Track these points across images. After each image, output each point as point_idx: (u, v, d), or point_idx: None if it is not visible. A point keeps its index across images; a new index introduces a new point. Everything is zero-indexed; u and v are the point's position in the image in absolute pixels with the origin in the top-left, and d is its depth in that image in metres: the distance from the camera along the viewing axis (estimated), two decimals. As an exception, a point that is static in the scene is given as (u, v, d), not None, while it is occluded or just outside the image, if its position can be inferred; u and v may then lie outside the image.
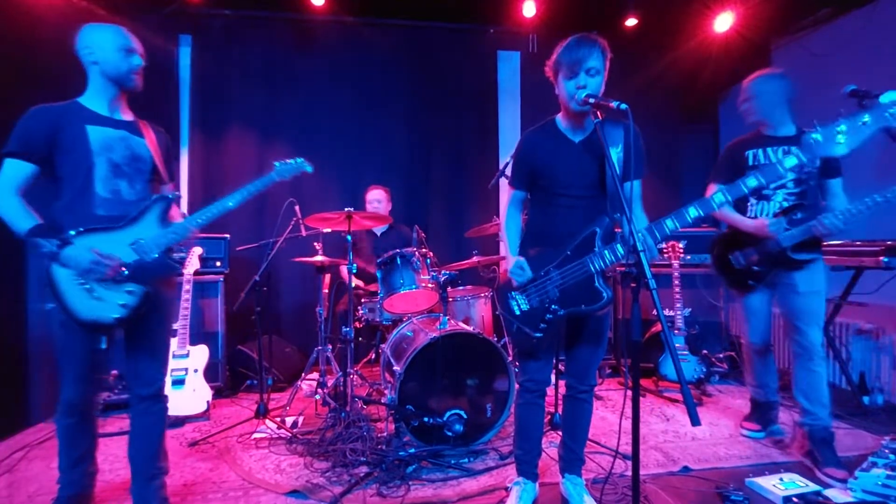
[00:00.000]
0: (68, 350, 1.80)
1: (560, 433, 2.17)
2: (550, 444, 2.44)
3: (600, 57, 1.75)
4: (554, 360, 2.21)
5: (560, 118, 1.93)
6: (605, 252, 1.77)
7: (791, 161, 1.58)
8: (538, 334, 1.88)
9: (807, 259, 2.40)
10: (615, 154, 1.80)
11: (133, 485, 1.95)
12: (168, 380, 2.99)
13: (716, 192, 1.65)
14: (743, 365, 2.99)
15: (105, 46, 1.83)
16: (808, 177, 2.41)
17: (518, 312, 1.93)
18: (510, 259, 1.96)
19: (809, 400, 2.40)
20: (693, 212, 1.66)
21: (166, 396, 2.02)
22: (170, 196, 1.92)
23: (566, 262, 1.84)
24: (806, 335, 2.41)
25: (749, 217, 2.54)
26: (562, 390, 2.20)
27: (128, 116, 1.96)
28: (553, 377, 2.85)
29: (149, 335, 1.92)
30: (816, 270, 2.45)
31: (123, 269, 1.77)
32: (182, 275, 3.11)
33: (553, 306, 1.85)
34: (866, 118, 1.46)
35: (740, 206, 2.57)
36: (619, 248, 1.74)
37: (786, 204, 2.44)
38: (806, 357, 2.41)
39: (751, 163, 2.52)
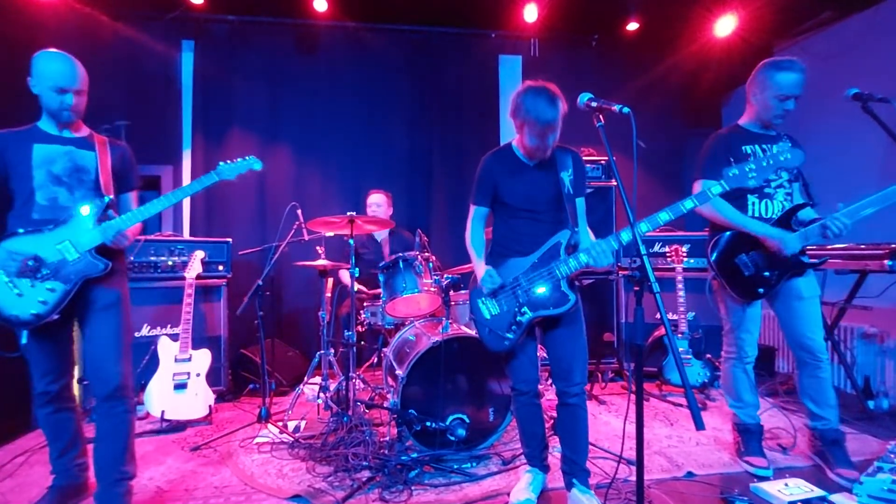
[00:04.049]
0: (27, 345, 1.96)
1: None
2: (555, 448, 2.41)
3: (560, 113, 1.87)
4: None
5: (516, 145, 2.08)
6: (570, 260, 1.92)
7: (717, 189, 1.81)
8: (510, 335, 2.00)
9: (814, 263, 2.31)
10: (566, 176, 2.00)
11: (97, 489, 1.97)
12: (171, 385, 3.01)
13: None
14: (727, 386, 2.55)
15: (42, 83, 1.95)
16: (795, 178, 2.37)
17: (488, 317, 2.05)
18: (480, 268, 2.08)
19: (818, 404, 2.38)
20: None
21: (129, 396, 2.01)
22: (99, 201, 1.99)
23: (534, 270, 1.98)
24: (814, 342, 2.33)
25: (752, 217, 2.35)
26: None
27: (80, 133, 2.09)
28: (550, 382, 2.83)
29: (97, 333, 1.97)
30: (812, 274, 2.39)
31: (29, 261, 1.84)
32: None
33: (522, 309, 1.97)
34: (770, 161, 1.79)
35: (739, 204, 2.36)
36: (582, 257, 1.89)
37: (787, 204, 2.34)
38: (814, 365, 2.34)
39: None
